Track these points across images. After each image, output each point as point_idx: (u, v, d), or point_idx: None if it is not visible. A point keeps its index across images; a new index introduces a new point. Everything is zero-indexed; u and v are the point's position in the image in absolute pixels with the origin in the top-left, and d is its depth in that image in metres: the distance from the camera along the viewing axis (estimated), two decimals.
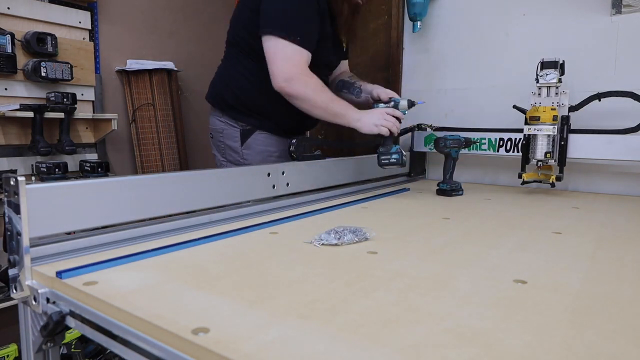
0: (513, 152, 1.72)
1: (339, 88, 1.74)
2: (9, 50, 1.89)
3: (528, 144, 1.55)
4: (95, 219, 0.82)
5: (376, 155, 1.48)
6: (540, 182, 1.58)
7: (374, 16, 2.32)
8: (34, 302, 0.67)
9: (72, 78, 2.07)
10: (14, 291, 0.69)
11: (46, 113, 1.96)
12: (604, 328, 0.52)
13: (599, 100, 1.52)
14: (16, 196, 0.68)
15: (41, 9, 2.07)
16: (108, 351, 1.86)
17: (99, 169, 2.13)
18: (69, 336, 1.74)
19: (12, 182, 0.69)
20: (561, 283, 0.68)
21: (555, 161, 1.55)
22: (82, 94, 2.22)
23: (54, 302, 0.65)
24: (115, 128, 2.24)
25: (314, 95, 1.35)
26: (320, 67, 1.49)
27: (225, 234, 0.94)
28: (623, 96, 1.49)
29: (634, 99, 1.48)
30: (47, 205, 0.74)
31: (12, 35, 1.90)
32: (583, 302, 0.60)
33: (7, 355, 1.83)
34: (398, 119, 1.43)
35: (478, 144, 1.79)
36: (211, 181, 1.06)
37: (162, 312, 0.54)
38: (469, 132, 1.78)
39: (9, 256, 0.70)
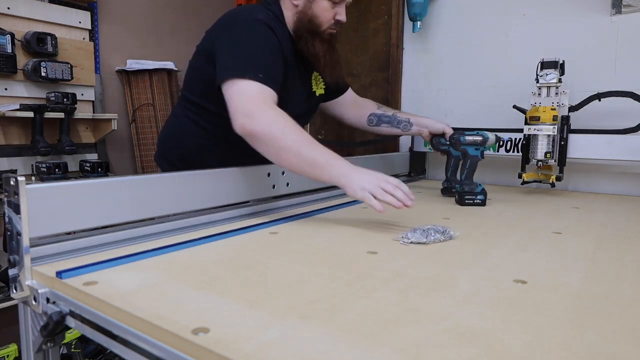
0: (513, 152, 1.72)
1: (376, 123, 1.59)
2: (9, 50, 1.89)
3: (528, 144, 1.55)
4: (95, 219, 0.82)
5: (456, 189, 1.36)
6: (540, 182, 1.58)
7: (374, 16, 2.32)
8: (34, 302, 0.67)
9: (72, 78, 2.07)
10: (14, 291, 0.69)
11: (46, 113, 1.96)
12: (604, 328, 0.52)
13: (599, 100, 1.52)
14: (16, 196, 0.68)
15: (41, 9, 2.07)
16: (108, 351, 1.86)
17: (99, 169, 2.13)
18: (69, 336, 1.74)
19: (12, 182, 0.69)
20: (561, 283, 0.68)
21: (555, 161, 1.55)
22: (82, 94, 2.22)
23: (54, 302, 0.65)
24: (115, 128, 2.24)
25: (282, 133, 1.01)
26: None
27: (225, 234, 0.94)
28: (623, 96, 1.49)
29: (634, 99, 1.48)
30: (47, 205, 0.74)
31: (12, 35, 1.90)
32: (583, 302, 0.60)
33: (7, 355, 1.83)
34: (406, 193, 1.01)
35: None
36: (211, 181, 1.06)
37: (162, 312, 0.54)
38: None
39: (9, 256, 0.70)
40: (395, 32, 2.18)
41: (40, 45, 1.97)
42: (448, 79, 2.02)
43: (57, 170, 2.01)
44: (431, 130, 1.58)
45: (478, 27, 1.92)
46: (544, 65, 1.52)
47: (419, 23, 1.97)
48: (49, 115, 1.97)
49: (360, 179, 1.02)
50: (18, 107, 1.90)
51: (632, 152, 1.49)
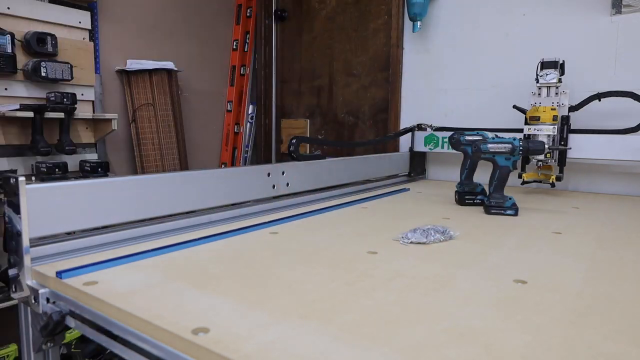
0: None
1: None
2: (9, 50, 1.89)
3: None
4: (95, 219, 0.82)
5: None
6: (540, 182, 1.58)
7: (374, 16, 2.32)
8: (34, 302, 0.67)
9: (72, 78, 2.07)
10: (14, 291, 0.69)
11: (46, 113, 1.96)
12: (604, 328, 0.52)
13: (599, 100, 1.52)
14: (16, 196, 0.68)
15: (41, 9, 2.07)
16: (108, 351, 1.86)
17: (99, 169, 2.12)
18: (69, 336, 1.74)
19: (12, 182, 0.68)
20: (561, 283, 0.68)
21: (555, 161, 1.55)
22: (82, 94, 2.22)
23: (54, 302, 0.65)
24: (115, 128, 2.24)
25: None
26: None
27: (225, 234, 0.94)
28: (623, 96, 1.49)
29: (634, 99, 1.48)
30: (47, 205, 0.74)
31: (12, 35, 1.90)
32: (583, 302, 0.60)
33: (7, 355, 1.83)
34: None
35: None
36: (211, 181, 1.06)
37: (162, 312, 0.54)
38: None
39: (9, 256, 0.70)
40: (395, 32, 2.18)
41: (40, 45, 1.97)
42: (448, 79, 2.02)
43: (57, 170, 2.00)
44: None
45: (478, 27, 1.92)
46: (544, 65, 1.52)
47: (419, 23, 1.97)
48: (49, 115, 1.97)
49: None
50: (18, 107, 1.89)
51: (632, 152, 1.49)
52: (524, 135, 1.54)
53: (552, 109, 1.48)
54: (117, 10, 2.47)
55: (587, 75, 1.66)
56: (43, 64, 1.95)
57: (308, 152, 2.42)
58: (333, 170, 1.51)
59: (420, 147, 1.98)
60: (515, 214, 1.20)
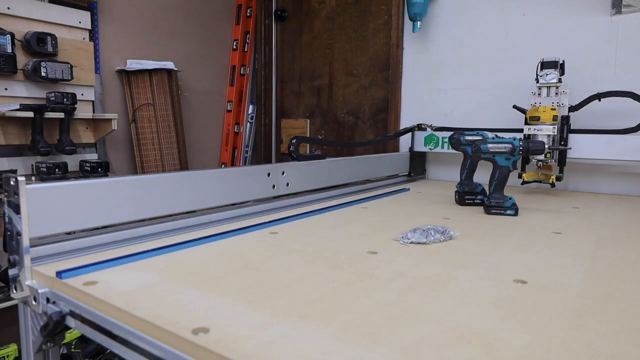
0: None
1: None
2: (9, 50, 1.89)
3: None
4: (95, 219, 0.82)
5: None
6: (540, 182, 1.58)
7: (374, 16, 2.32)
8: (34, 302, 0.67)
9: (72, 78, 2.07)
10: (14, 291, 0.69)
11: (46, 113, 1.96)
12: (604, 328, 0.52)
13: (599, 100, 1.52)
14: (16, 196, 0.68)
15: (41, 9, 2.07)
16: (108, 351, 1.86)
17: (99, 169, 2.12)
18: (69, 336, 1.74)
19: (12, 182, 0.68)
20: (561, 283, 0.68)
21: (555, 161, 1.55)
22: (82, 94, 2.22)
23: (54, 302, 0.65)
24: (115, 128, 2.24)
25: None
26: None
27: (225, 234, 0.94)
28: (623, 96, 1.49)
29: (634, 99, 1.48)
30: (47, 205, 0.74)
31: (12, 35, 1.90)
32: (583, 302, 0.60)
33: (7, 355, 1.83)
34: None
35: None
36: (211, 181, 1.06)
37: (162, 312, 0.54)
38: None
39: (9, 256, 0.70)
40: (395, 32, 2.18)
41: (40, 45, 1.97)
42: (448, 79, 2.02)
43: (57, 170, 2.00)
44: None
45: (478, 27, 1.92)
46: (544, 65, 1.52)
47: (419, 23, 1.97)
48: (49, 115, 1.97)
49: None
50: (18, 107, 1.89)
51: (632, 152, 1.49)
52: (524, 135, 1.54)
53: (552, 109, 1.48)
54: (117, 10, 2.47)
55: (587, 75, 1.66)
56: (43, 64, 1.96)
57: (308, 152, 2.42)
58: (333, 170, 1.51)
59: (420, 147, 1.98)
60: (515, 214, 1.20)
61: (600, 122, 1.61)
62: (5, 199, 0.70)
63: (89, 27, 2.29)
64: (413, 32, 2.01)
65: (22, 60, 1.98)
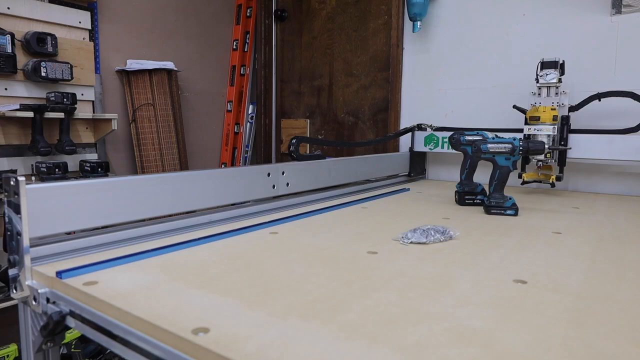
0: None
1: None
2: (9, 50, 1.89)
3: None
4: (95, 219, 0.82)
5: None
6: (540, 182, 1.58)
7: (374, 16, 2.32)
8: (34, 302, 0.67)
9: (72, 78, 2.07)
10: (14, 291, 0.69)
11: (46, 113, 1.96)
12: (604, 328, 0.52)
13: (599, 100, 1.52)
14: (16, 196, 0.68)
15: (41, 9, 2.07)
16: (108, 351, 1.86)
17: (99, 169, 2.12)
18: (69, 336, 1.74)
19: (12, 182, 0.68)
20: (561, 283, 0.68)
21: (555, 161, 1.55)
22: (82, 94, 2.22)
23: (54, 302, 0.65)
24: (115, 128, 2.24)
25: None
26: None
27: (225, 234, 0.94)
28: (623, 96, 1.49)
29: (634, 99, 1.48)
30: (47, 205, 0.74)
31: (12, 35, 1.90)
32: (583, 302, 0.60)
33: (7, 355, 1.83)
34: None
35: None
36: (211, 181, 1.06)
37: (162, 312, 0.54)
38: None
39: (9, 256, 0.70)
40: (395, 32, 2.18)
41: (40, 45, 1.97)
42: (448, 79, 2.02)
43: (57, 170, 2.01)
44: None
45: (478, 27, 1.92)
46: (544, 65, 1.52)
47: (419, 23, 1.97)
48: (49, 115, 1.97)
49: None
50: (18, 107, 1.89)
51: (632, 152, 1.49)
52: (524, 135, 1.54)
53: (552, 109, 1.48)
54: (117, 10, 2.47)
55: (587, 75, 1.66)
56: (43, 64, 1.96)
57: (308, 152, 2.42)
58: (333, 170, 1.51)
59: (420, 147, 1.98)
60: (515, 214, 1.20)
61: (600, 122, 1.61)
62: (5, 199, 0.70)
63: (89, 27, 2.29)
64: (413, 32, 2.01)
65: (22, 60, 1.98)
